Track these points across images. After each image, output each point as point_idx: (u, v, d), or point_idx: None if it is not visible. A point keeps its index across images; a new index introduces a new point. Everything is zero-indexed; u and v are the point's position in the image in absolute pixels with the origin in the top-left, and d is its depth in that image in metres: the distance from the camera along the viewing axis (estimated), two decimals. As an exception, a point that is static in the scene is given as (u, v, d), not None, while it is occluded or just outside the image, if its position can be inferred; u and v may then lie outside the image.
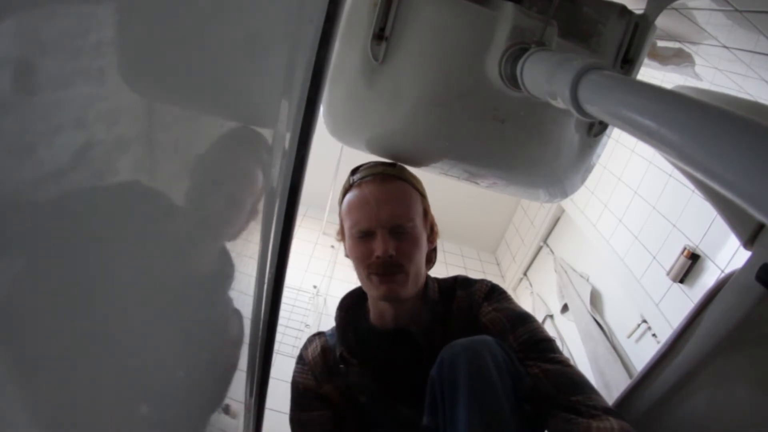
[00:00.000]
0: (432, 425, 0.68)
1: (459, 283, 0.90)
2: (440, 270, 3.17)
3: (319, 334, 0.94)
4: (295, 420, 0.89)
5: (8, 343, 0.18)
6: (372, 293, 0.84)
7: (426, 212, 0.85)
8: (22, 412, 0.20)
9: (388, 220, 0.78)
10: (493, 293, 0.86)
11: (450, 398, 0.65)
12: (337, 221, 0.88)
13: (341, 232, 0.87)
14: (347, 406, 0.86)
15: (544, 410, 0.69)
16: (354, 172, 0.87)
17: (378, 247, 0.77)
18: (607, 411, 0.66)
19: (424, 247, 0.83)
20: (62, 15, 0.15)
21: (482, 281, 0.89)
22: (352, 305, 0.92)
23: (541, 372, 0.72)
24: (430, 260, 0.89)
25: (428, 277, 0.88)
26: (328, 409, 0.86)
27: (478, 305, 0.85)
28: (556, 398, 0.69)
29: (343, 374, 0.86)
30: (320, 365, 0.88)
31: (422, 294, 0.85)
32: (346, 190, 0.86)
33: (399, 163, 0.85)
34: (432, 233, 0.87)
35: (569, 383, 0.70)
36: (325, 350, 0.89)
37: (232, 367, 0.63)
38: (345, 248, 0.87)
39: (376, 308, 0.87)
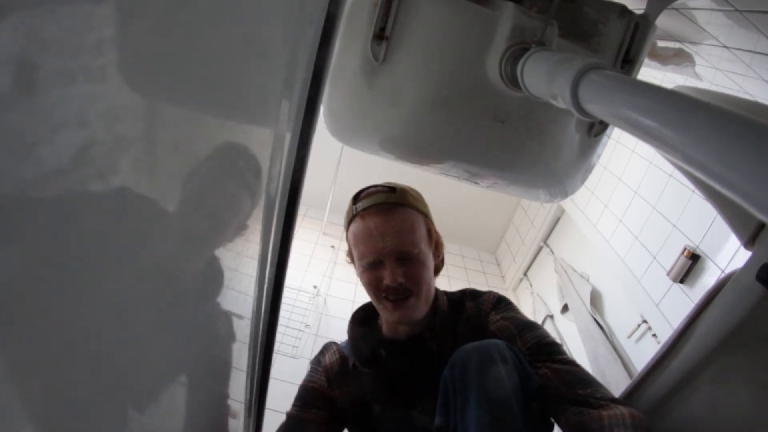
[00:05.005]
0: (444, 425, 0.70)
1: (467, 295, 0.92)
2: (440, 270, 3.16)
3: (334, 343, 0.96)
4: (292, 416, 0.87)
5: (7, 342, 0.18)
6: (386, 316, 0.87)
7: (430, 231, 0.86)
8: (20, 413, 0.20)
9: (394, 250, 0.80)
10: (500, 303, 0.89)
11: (461, 397, 0.67)
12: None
13: (350, 255, 0.89)
14: (358, 415, 0.87)
15: (554, 407, 0.71)
16: (356, 199, 0.87)
17: (387, 276, 0.80)
18: (615, 401, 0.69)
19: (431, 266, 0.85)
20: (60, 14, 0.15)
21: (490, 292, 0.92)
22: (364, 318, 0.94)
23: (550, 371, 0.74)
24: (438, 270, 0.91)
25: (437, 290, 0.90)
26: (329, 414, 0.87)
27: (486, 315, 0.87)
28: (565, 394, 0.71)
29: (357, 382, 0.87)
30: (336, 369, 0.90)
31: (432, 306, 0.87)
32: (350, 219, 0.87)
33: (399, 186, 0.85)
34: (437, 248, 0.88)
35: (577, 380, 0.73)
36: (343, 357, 0.91)
37: (231, 368, 0.63)
38: (355, 270, 0.88)
39: (389, 323, 0.89)
